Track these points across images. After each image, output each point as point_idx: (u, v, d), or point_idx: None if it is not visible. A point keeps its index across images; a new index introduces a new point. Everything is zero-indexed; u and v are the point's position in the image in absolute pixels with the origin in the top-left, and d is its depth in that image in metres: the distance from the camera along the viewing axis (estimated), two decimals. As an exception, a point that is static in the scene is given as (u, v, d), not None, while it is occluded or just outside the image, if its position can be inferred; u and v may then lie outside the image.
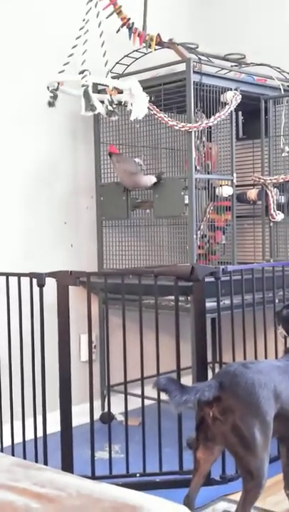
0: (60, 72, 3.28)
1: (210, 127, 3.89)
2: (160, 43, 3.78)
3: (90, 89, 3.13)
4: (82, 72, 3.14)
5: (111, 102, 3.26)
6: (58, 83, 3.31)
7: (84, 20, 3.25)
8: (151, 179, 3.67)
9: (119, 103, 3.35)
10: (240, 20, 4.53)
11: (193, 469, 2.54)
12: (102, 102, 3.33)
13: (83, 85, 3.11)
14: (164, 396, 2.46)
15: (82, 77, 3.12)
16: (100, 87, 3.64)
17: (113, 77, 3.57)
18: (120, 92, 3.26)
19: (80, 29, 3.25)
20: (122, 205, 3.83)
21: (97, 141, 4.02)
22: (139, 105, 3.19)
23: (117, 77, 3.78)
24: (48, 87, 3.32)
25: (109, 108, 3.27)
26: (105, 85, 3.24)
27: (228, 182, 3.76)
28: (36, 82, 3.67)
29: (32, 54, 3.75)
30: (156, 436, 2.95)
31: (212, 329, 4.17)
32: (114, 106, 3.25)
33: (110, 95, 3.20)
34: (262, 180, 3.88)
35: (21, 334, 2.99)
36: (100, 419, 3.79)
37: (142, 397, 3.00)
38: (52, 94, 3.32)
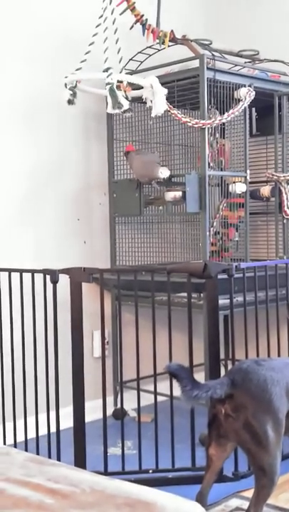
0: (77, 70, 3.29)
1: (223, 124, 3.88)
2: (173, 40, 3.78)
3: (115, 87, 3.12)
4: (106, 70, 3.14)
5: (126, 98, 3.26)
6: (76, 81, 3.31)
7: (102, 16, 3.25)
8: (165, 171, 3.65)
9: (133, 99, 3.36)
10: (253, 16, 4.51)
11: (205, 466, 2.55)
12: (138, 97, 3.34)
13: (108, 83, 3.11)
14: (176, 392, 2.46)
15: (108, 76, 3.12)
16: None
17: (126, 74, 3.56)
18: (136, 88, 3.26)
19: (97, 26, 3.25)
20: (134, 202, 3.83)
21: (110, 138, 4.02)
22: (161, 102, 3.19)
23: (131, 73, 3.77)
24: (65, 85, 3.32)
25: None
26: (120, 81, 3.24)
27: (242, 179, 3.75)
28: (49, 79, 3.69)
29: (46, 51, 3.75)
30: (168, 433, 2.95)
31: (225, 326, 4.17)
32: (129, 102, 3.26)
33: (125, 91, 3.20)
34: (275, 177, 3.87)
35: (35, 330, 3.00)
36: (113, 415, 3.81)
37: (155, 393, 3.01)
38: (71, 92, 3.33)
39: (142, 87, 3.25)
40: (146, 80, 3.21)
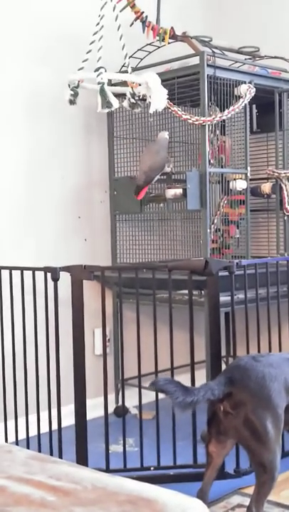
0: (79, 70, 3.28)
1: (224, 121, 3.87)
2: (174, 37, 3.77)
3: (106, 87, 3.13)
4: (97, 70, 3.14)
5: (133, 95, 3.26)
6: (78, 80, 3.31)
7: (99, 16, 3.25)
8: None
9: (141, 96, 3.35)
10: (254, 12, 4.51)
11: (206, 463, 2.55)
12: (124, 94, 3.33)
13: (99, 83, 3.11)
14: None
15: (98, 75, 3.12)
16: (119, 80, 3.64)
17: (127, 71, 3.56)
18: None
19: (97, 25, 3.25)
20: (135, 200, 3.82)
21: (111, 135, 4.02)
22: (158, 98, 3.19)
23: (131, 70, 3.76)
24: (69, 85, 3.32)
25: (132, 100, 3.27)
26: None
27: (242, 176, 3.75)
28: (51, 76, 3.69)
29: (47, 48, 3.75)
30: (170, 430, 2.96)
31: (226, 323, 4.17)
32: (137, 98, 3.24)
33: (132, 88, 3.20)
34: (276, 174, 3.87)
35: (36, 328, 3.01)
36: (114, 413, 3.81)
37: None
38: (72, 92, 3.33)
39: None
40: (141, 77, 3.22)
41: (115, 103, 3.13)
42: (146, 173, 3.64)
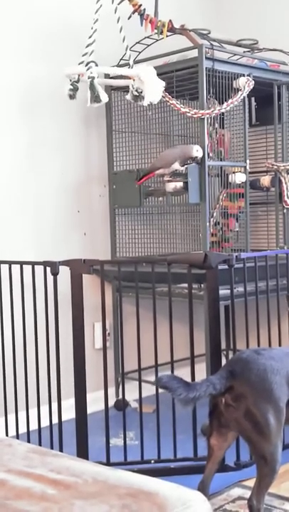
0: (80, 64, 3.28)
1: (222, 114, 3.87)
2: (172, 29, 3.76)
3: (96, 81, 3.12)
4: (87, 64, 3.13)
5: (136, 89, 3.25)
6: (79, 75, 3.30)
7: (97, 11, 3.23)
8: (200, 150, 3.60)
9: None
10: (252, 5, 4.49)
11: (207, 456, 2.56)
12: (125, 88, 3.32)
13: (89, 77, 3.11)
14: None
15: (87, 69, 3.12)
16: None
17: (124, 65, 3.55)
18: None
19: (94, 19, 3.24)
20: (134, 193, 3.82)
21: (110, 129, 4.01)
22: (150, 90, 3.18)
23: (129, 63, 3.76)
24: (70, 80, 3.32)
25: (134, 93, 3.26)
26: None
27: (241, 169, 3.74)
28: (48, 70, 3.68)
29: (45, 41, 3.74)
30: (170, 423, 2.96)
31: (226, 316, 4.17)
32: (140, 91, 3.23)
33: (134, 80, 3.19)
34: (275, 167, 3.86)
35: (36, 322, 3.01)
36: (115, 406, 3.82)
37: (156, 384, 3.01)
38: (72, 87, 3.31)
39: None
40: (133, 70, 3.21)
41: (104, 98, 3.12)
42: (159, 159, 3.65)
